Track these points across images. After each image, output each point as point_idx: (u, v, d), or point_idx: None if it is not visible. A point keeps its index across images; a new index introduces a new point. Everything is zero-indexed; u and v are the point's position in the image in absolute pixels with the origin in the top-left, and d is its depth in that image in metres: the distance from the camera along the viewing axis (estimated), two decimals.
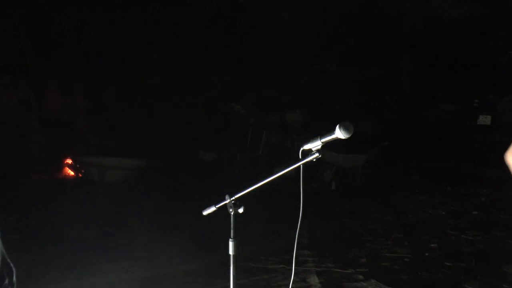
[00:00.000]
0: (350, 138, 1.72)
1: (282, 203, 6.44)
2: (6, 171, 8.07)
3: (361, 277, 4.24)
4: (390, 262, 4.67)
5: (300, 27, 10.81)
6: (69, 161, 8.61)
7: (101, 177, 6.96)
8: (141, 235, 5.28)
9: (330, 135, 1.74)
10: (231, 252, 2.05)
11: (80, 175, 8.28)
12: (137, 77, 10.63)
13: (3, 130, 9.21)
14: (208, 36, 10.69)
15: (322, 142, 1.78)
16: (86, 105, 10.45)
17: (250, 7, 10.73)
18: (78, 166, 8.33)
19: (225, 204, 2.03)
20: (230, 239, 2.05)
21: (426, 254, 4.97)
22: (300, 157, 1.85)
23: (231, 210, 2.01)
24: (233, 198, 2.01)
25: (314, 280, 4.12)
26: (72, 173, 8.53)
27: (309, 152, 1.82)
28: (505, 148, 2.20)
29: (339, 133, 1.71)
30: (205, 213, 2.18)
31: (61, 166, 8.66)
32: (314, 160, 1.81)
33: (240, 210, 2.02)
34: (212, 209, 2.14)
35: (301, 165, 1.86)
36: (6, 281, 1.78)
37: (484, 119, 10.91)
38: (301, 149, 1.85)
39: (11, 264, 1.84)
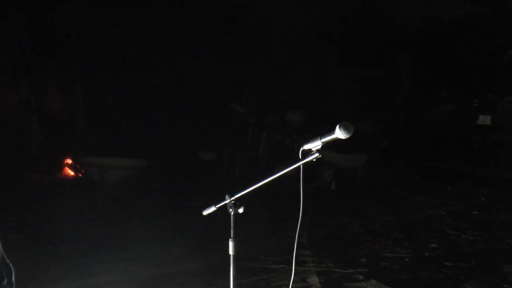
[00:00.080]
0: (350, 138, 1.72)
1: (282, 203, 6.44)
2: (6, 171, 8.07)
3: (361, 277, 4.24)
4: (390, 262, 4.67)
5: (300, 27, 10.81)
6: (69, 161, 8.60)
7: (101, 177, 6.95)
8: (141, 235, 5.28)
9: (330, 135, 1.74)
10: (231, 252, 2.05)
11: (80, 175, 8.28)
12: (137, 77, 10.63)
13: (3, 130, 9.21)
14: (208, 36, 10.69)
15: (322, 142, 1.78)
16: (86, 105, 10.46)
17: (250, 7, 10.73)
18: (78, 166, 8.33)
19: (225, 204, 2.03)
20: (230, 239, 2.05)
21: (426, 254, 4.97)
22: (300, 157, 1.85)
23: (231, 210, 2.01)
24: (233, 198, 2.01)
25: (314, 280, 4.12)
26: (72, 173, 8.53)
27: (309, 152, 1.82)
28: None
29: (339, 133, 1.71)
30: (205, 213, 2.18)
31: (61, 166, 8.66)
32: (314, 160, 1.81)
33: (240, 210, 2.02)
34: (212, 209, 2.14)
35: (301, 165, 1.86)
36: (5, 281, 1.78)
37: (484, 119, 10.91)
38: (301, 149, 1.85)
39: (10, 264, 1.84)
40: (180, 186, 7.87)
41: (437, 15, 10.98)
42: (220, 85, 11.11)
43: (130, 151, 8.52)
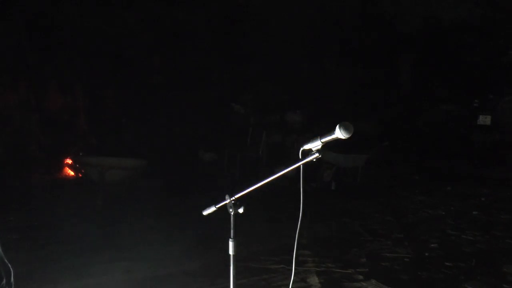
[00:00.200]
0: (350, 138, 1.72)
1: (282, 203, 6.44)
2: (6, 171, 8.07)
3: (361, 277, 4.24)
4: (390, 262, 4.67)
5: (300, 27, 10.82)
6: (69, 161, 8.61)
7: (101, 177, 6.95)
8: (141, 235, 5.29)
9: (330, 135, 1.74)
10: (231, 252, 2.05)
11: (80, 175, 8.28)
12: (137, 77, 10.63)
13: (3, 130, 9.21)
14: (208, 36, 10.69)
15: (322, 142, 1.78)
16: (86, 105, 10.46)
17: (250, 7, 10.73)
18: (78, 166, 8.33)
19: (225, 204, 2.03)
20: (230, 239, 2.05)
21: (426, 254, 4.97)
22: (300, 157, 1.85)
23: (231, 210, 2.01)
24: (233, 198, 2.01)
25: (314, 280, 4.12)
26: (72, 173, 8.53)
27: (309, 152, 1.82)
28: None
29: (339, 133, 1.71)
30: (205, 213, 2.18)
31: (61, 166, 8.66)
32: (314, 160, 1.81)
33: (240, 210, 2.02)
34: (212, 209, 2.14)
35: (301, 165, 1.86)
36: (4, 281, 1.78)
37: (484, 119, 10.91)
38: (301, 149, 1.85)
39: (9, 265, 1.84)
40: (180, 186, 7.87)
41: (437, 15, 10.98)
42: (220, 85, 11.11)
43: (130, 151, 8.52)
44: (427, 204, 7.18)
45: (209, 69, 10.85)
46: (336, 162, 8.21)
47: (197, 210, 2.26)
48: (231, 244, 2.05)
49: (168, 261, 4.49)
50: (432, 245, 5.25)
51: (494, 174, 9.21)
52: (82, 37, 9.83)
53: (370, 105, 11.54)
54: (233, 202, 2.00)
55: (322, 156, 1.81)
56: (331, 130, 1.73)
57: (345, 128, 1.70)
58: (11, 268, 1.84)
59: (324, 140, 1.77)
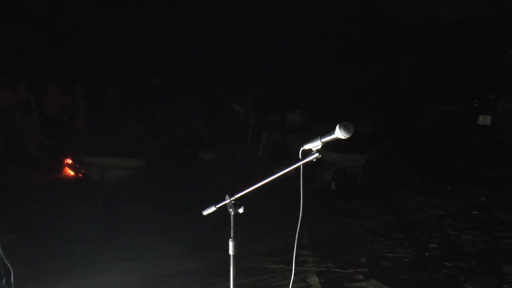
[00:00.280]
0: (350, 138, 1.72)
1: (282, 203, 6.44)
2: (6, 171, 8.08)
3: (361, 277, 4.24)
4: (390, 262, 4.67)
5: (300, 27, 10.82)
6: (69, 161, 8.60)
7: (101, 177, 6.95)
8: (141, 235, 5.29)
9: (330, 135, 1.74)
10: (231, 252, 2.05)
11: (80, 175, 8.27)
12: (137, 77, 10.64)
13: (3, 130, 9.22)
14: (208, 36, 10.69)
15: (322, 142, 1.78)
16: (86, 105, 10.46)
17: (250, 7, 10.73)
18: (78, 166, 8.32)
19: (225, 204, 2.03)
20: (230, 239, 2.05)
21: (426, 254, 4.97)
22: (300, 157, 1.85)
23: (231, 210, 2.01)
24: (233, 198, 2.01)
25: (314, 280, 4.12)
26: (72, 173, 8.53)
27: (309, 152, 1.82)
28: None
29: (339, 133, 1.71)
30: (205, 213, 2.18)
31: (61, 166, 8.66)
32: (314, 160, 1.81)
33: (240, 210, 2.02)
34: (212, 209, 2.14)
35: (301, 165, 1.86)
36: (3, 281, 1.78)
37: (484, 119, 10.90)
38: (301, 149, 1.85)
39: (9, 265, 1.84)
40: (180, 186, 7.87)
41: (437, 15, 10.98)
42: (220, 85, 11.11)
43: (130, 151, 8.52)
44: (427, 204, 7.18)
45: (209, 69, 10.86)
46: (336, 162, 8.20)
47: (197, 210, 2.26)
48: (231, 244, 2.05)
49: (168, 261, 4.49)
50: (432, 245, 5.25)
51: (494, 174, 9.21)
52: (82, 37, 9.83)
53: (370, 105, 11.54)
54: (233, 202, 2.01)
55: (322, 156, 1.81)
56: (331, 130, 1.73)
57: (345, 128, 1.70)
58: (11, 268, 1.85)
59: (324, 140, 1.77)
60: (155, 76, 10.98)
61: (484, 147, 10.91)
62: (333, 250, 4.96)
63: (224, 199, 2.03)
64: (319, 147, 1.79)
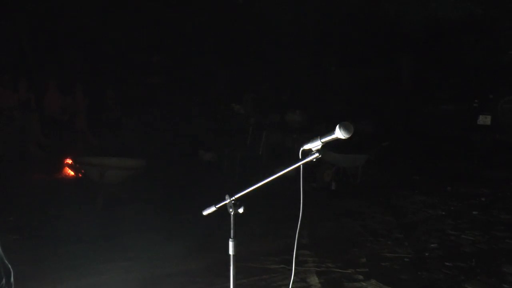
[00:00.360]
0: (350, 138, 1.72)
1: (282, 203, 6.43)
2: (6, 171, 8.07)
3: (361, 277, 4.24)
4: (390, 262, 4.66)
5: (300, 27, 10.82)
6: (69, 161, 8.60)
7: (101, 177, 6.94)
8: (141, 235, 5.28)
9: (330, 135, 1.74)
10: (231, 252, 2.05)
11: (80, 175, 8.27)
12: (137, 77, 10.64)
13: (3, 130, 9.22)
14: (208, 36, 10.70)
15: (322, 142, 1.78)
16: (86, 105, 10.47)
17: (250, 8, 10.74)
18: (78, 166, 8.32)
19: (225, 204, 2.03)
20: (230, 239, 2.05)
21: (426, 254, 4.97)
22: (300, 157, 1.85)
23: (231, 210, 2.01)
24: (233, 198, 2.01)
25: (314, 280, 4.12)
26: (72, 173, 8.53)
27: (309, 152, 1.82)
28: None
29: (339, 133, 1.71)
30: (205, 213, 2.18)
31: (61, 166, 8.66)
32: (314, 160, 1.81)
33: (240, 210, 2.02)
34: (212, 209, 2.14)
35: (301, 165, 1.86)
36: (4, 281, 1.78)
37: (484, 119, 10.90)
38: (301, 149, 1.85)
39: (9, 265, 1.84)
40: (180, 186, 7.87)
41: (437, 15, 10.98)
42: (220, 85, 11.11)
43: (130, 151, 8.51)
44: (427, 204, 7.18)
45: (209, 69, 10.86)
46: (336, 162, 8.20)
47: (197, 210, 2.25)
48: (231, 244, 2.05)
49: (168, 261, 4.49)
50: (432, 245, 5.24)
51: (494, 174, 9.20)
52: (82, 37, 9.83)
53: (370, 105, 11.54)
54: (233, 202, 2.01)
55: (322, 156, 1.81)
56: (331, 130, 1.73)
57: (345, 128, 1.70)
58: (11, 268, 1.84)
59: (324, 140, 1.77)
60: (155, 76, 10.98)
61: (484, 147, 10.91)
62: (333, 250, 4.96)
63: (224, 199, 2.03)
64: (319, 147, 1.79)
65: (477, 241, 5.42)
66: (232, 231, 2.04)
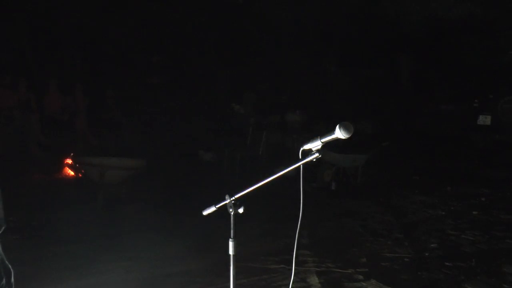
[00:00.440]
0: (350, 138, 1.72)
1: (282, 203, 6.44)
2: (6, 171, 8.07)
3: (361, 277, 4.24)
4: (390, 262, 4.66)
5: (300, 27, 10.82)
6: (69, 161, 8.60)
7: (101, 177, 6.95)
8: (141, 235, 5.28)
9: (330, 135, 1.74)
10: (231, 252, 2.05)
11: (80, 175, 8.28)
12: (137, 77, 10.64)
13: (3, 130, 9.22)
14: (208, 36, 10.70)
15: (322, 142, 1.78)
16: (86, 105, 10.47)
17: (250, 8, 10.74)
18: (78, 166, 8.32)
19: (225, 204, 2.03)
20: (230, 239, 2.05)
21: (426, 254, 4.97)
22: (300, 157, 1.85)
23: (231, 210, 2.01)
24: (233, 198, 2.01)
25: (314, 280, 4.12)
26: (72, 173, 8.53)
27: (309, 152, 1.82)
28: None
29: (339, 133, 1.71)
30: (205, 213, 2.18)
31: (61, 166, 8.67)
32: (314, 160, 1.81)
33: (240, 210, 2.02)
34: (212, 209, 2.14)
35: (301, 165, 1.86)
36: (4, 281, 1.78)
37: (484, 119, 10.90)
38: (301, 149, 1.85)
39: (10, 266, 1.84)
40: (180, 186, 7.87)
41: (437, 15, 10.98)
42: (220, 85, 11.12)
43: (130, 151, 8.51)
44: (427, 204, 7.17)
45: (209, 69, 10.86)
46: (336, 162, 8.20)
47: (197, 210, 2.25)
48: (231, 244, 2.05)
49: (168, 261, 4.49)
50: (432, 245, 5.24)
51: (494, 174, 9.20)
52: (82, 37, 9.83)
53: (370, 105, 11.54)
54: (233, 202, 2.01)
55: (322, 156, 1.81)
56: (331, 130, 1.73)
57: (345, 128, 1.70)
58: (11, 268, 1.85)
59: (324, 140, 1.77)
60: (155, 76, 10.98)
61: (484, 147, 10.91)
62: (333, 250, 4.96)
63: (224, 199, 2.03)
64: (319, 147, 1.79)
65: (477, 241, 5.41)
66: (232, 231, 2.04)
